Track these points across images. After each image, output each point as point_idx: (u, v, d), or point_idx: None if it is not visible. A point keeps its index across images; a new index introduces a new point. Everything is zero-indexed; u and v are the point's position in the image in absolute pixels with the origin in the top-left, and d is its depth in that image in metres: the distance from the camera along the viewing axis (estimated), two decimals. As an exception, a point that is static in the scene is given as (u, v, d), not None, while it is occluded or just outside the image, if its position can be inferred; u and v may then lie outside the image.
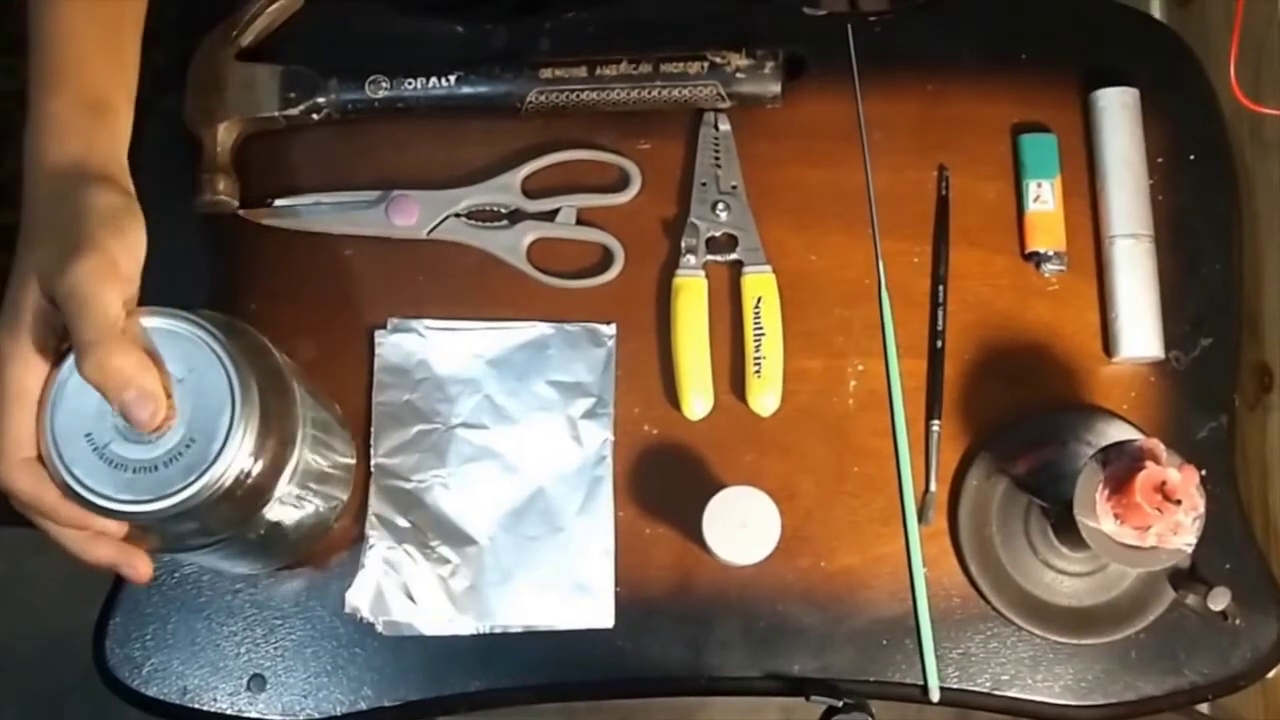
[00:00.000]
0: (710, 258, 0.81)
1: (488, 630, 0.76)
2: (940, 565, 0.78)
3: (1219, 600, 0.70)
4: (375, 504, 0.77)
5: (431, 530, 0.77)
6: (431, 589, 0.76)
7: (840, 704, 0.73)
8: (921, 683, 0.76)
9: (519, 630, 0.76)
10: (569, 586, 0.77)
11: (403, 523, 0.77)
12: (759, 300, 0.79)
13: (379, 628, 0.76)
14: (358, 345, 0.80)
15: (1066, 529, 0.72)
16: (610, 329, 0.80)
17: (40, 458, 0.58)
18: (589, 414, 0.79)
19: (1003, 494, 0.77)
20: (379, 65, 0.81)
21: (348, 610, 0.76)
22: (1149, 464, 0.65)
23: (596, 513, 0.78)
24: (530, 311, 0.81)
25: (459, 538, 0.77)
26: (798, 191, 0.83)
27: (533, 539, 0.77)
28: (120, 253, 0.59)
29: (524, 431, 0.79)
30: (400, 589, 0.76)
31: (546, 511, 0.78)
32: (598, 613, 0.76)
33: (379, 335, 0.80)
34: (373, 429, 0.78)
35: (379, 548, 0.77)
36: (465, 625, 0.76)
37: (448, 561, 0.77)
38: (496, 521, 0.78)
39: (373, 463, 0.78)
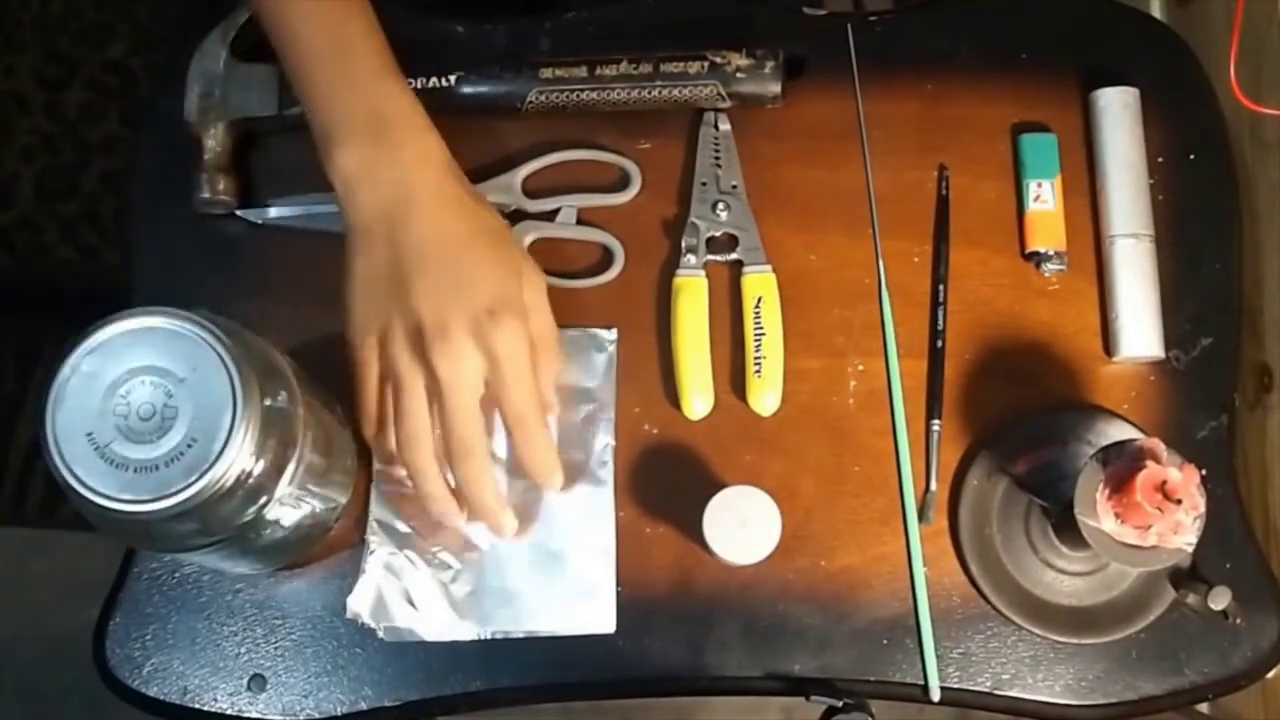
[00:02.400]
0: (710, 257, 0.81)
1: (489, 636, 0.76)
2: (940, 565, 0.78)
3: (1219, 600, 0.70)
4: (376, 509, 0.77)
5: (432, 535, 0.77)
6: (433, 595, 0.76)
7: (840, 704, 0.73)
8: (922, 682, 0.76)
9: (520, 636, 0.76)
10: (570, 590, 0.76)
11: (403, 528, 0.77)
12: (759, 300, 0.79)
13: (380, 634, 0.75)
14: (358, 345, 0.80)
15: (1067, 529, 0.72)
16: (611, 334, 0.80)
17: None
18: (590, 419, 0.79)
19: (1003, 494, 0.77)
20: (379, 65, 0.81)
21: (349, 616, 0.75)
22: (1149, 463, 0.65)
23: (597, 515, 0.77)
24: (530, 312, 0.81)
25: (460, 543, 0.77)
26: (798, 191, 0.83)
27: (533, 543, 0.77)
28: None
29: (524, 433, 0.79)
30: (401, 595, 0.76)
31: (547, 515, 0.78)
32: (599, 617, 0.76)
33: (379, 335, 0.80)
34: (373, 429, 0.78)
35: (380, 553, 0.76)
36: (467, 631, 0.75)
37: (449, 567, 0.76)
38: (497, 524, 0.77)
39: (374, 467, 0.78)
